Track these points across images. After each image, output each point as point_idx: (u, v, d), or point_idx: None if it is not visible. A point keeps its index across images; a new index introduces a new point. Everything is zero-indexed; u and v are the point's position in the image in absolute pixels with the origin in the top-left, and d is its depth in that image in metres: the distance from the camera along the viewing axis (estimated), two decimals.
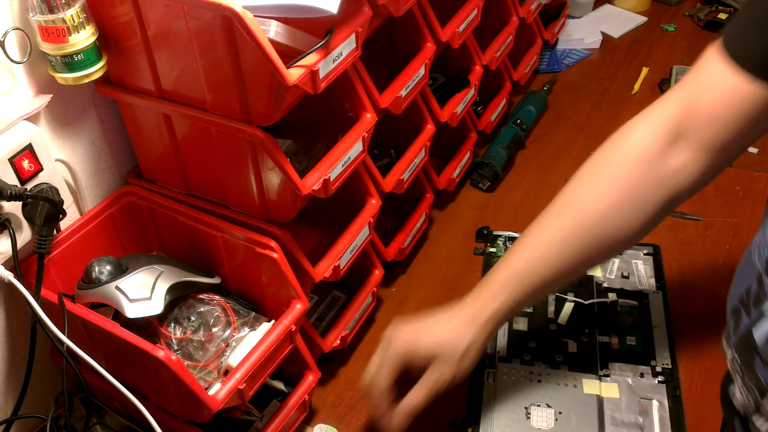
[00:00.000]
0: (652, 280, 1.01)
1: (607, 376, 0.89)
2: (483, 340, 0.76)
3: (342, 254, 0.84)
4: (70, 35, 0.67)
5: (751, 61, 0.63)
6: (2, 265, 0.69)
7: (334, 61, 0.70)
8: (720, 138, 0.68)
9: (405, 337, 0.77)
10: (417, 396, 0.76)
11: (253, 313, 0.81)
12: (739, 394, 0.64)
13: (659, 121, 0.71)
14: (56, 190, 0.73)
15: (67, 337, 0.68)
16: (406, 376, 0.77)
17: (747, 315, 0.61)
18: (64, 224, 0.79)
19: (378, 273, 0.97)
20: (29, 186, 0.71)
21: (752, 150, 1.21)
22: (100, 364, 0.67)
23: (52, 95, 0.73)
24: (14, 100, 0.71)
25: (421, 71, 0.93)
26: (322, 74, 0.68)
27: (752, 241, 0.63)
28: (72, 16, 0.66)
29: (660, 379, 0.88)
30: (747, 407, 0.63)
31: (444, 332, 0.76)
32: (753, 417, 0.62)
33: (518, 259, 0.76)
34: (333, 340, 0.89)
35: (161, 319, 0.76)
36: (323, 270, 0.82)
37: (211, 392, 0.70)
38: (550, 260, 0.75)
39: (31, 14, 0.66)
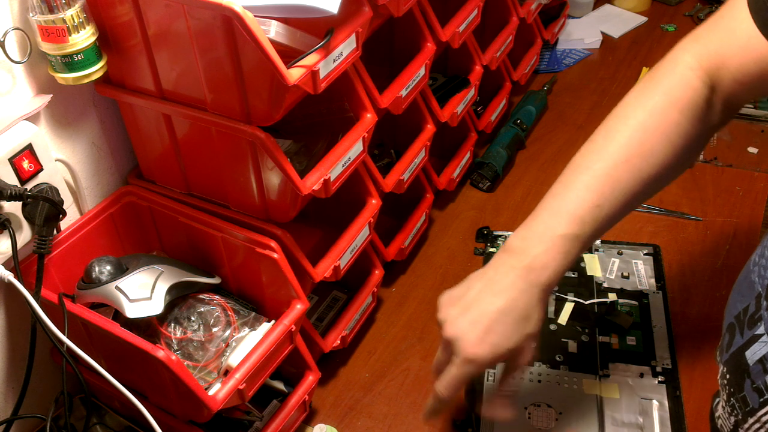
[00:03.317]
0: (652, 280, 1.01)
1: (607, 376, 0.89)
2: (546, 303, 0.70)
3: (342, 254, 0.84)
4: (70, 35, 0.67)
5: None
6: (2, 265, 0.69)
7: (334, 61, 0.70)
8: (742, 99, 0.69)
9: (483, 350, 0.67)
10: (512, 383, 0.72)
11: (253, 313, 0.81)
12: (721, 410, 0.64)
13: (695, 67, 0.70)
14: (56, 190, 0.73)
15: (67, 337, 0.68)
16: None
17: (741, 334, 0.60)
18: (64, 224, 0.79)
19: (378, 273, 0.97)
20: (29, 186, 0.71)
21: (752, 150, 1.21)
22: (100, 364, 0.67)
23: (52, 95, 0.73)
24: (14, 100, 0.71)
25: (421, 71, 0.93)
26: (322, 74, 0.68)
27: (751, 259, 0.62)
28: (72, 16, 0.66)
29: (660, 379, 0.88)
30: (724, 426, 0.63)
31: (518, 318, 0.67)
32: None
33: (585, 207, 0.68)
34: (333, 340, 0.89)
35: (161, 319, 0.76)
36: (323, 270, 0.82)
37: (211, 392, 0.70)
38: (620, 201, 0.69)
39: (31, 14, 0.66)
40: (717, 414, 0.65)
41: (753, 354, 0.58)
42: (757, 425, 0.58)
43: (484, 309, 0.67)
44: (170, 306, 0.76)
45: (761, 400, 0.57)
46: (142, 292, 0.72)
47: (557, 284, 0.69)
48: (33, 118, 0.72)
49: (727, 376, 0.62)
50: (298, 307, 0.78)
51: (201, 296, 0.80)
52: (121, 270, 0.74)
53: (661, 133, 0.68)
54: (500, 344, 0.67)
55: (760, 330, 0.57)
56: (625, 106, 0.71)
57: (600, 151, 0.70)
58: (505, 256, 0.69)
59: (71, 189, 0.81)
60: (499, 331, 0.67)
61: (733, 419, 0.61)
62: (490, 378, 0.90)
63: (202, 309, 0.78)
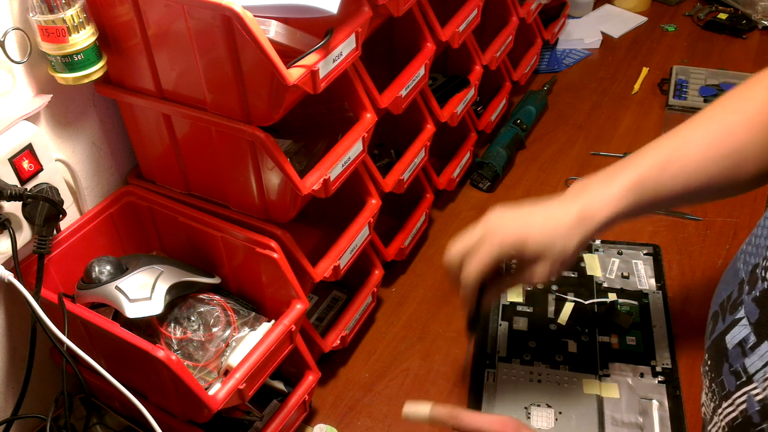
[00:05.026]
0: (652, 280, 1.01)
1: (607, 376, 0.89)
2: (585, 242, 0.73)
3: (342, 254, 0.84)
4: (70, 35, 0.67)
5: None
6: (2, 265, 0.69)
7: (334, 61, 0.70)
8: None
9: (514, 232, 0.72)
10: (511, 285, 0.77)
11: (253, 313, 0.81)
12: (704, 397, 0.64)
13: None
14: (56, 190, 0.73)
15: (67, 337, 0.68)
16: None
17: (722, 320, 0.61)
18: (64, 224, 0.79)
19: (378, 273, 0.97)
20: (29, 186, 0.71)
21: None
22: (100, 364, 0.67)
23: (52, 95, 0.73)
24: (14, 100, 0.71)
25: (421, 71, 0.93)
26: (322, 74, 0.68)
27: (740, 248, 0.63)
28: (72, 16, 0.66)
29: (660, 379, 0.88)
30: (706, 413, 0.64)
31: (555, 230, 0.72)
32: (708, 426, 0.62)
33: (651, 166, 0.72)
34: (333, 340, 0.89)
35: (161, 319, 0.76)
36: (323, 270, 0.82)
37: (211, 392, 0.70)
38: (683, 177, 0.72)
39: (31, 14, 0.66)
40: (701, 401, 0.65)
41: (732, 338, 0.58)
42: (731, 408, 0.58)
43: (529, 213, 0.73)
44: (170, 306, 0.76)
45: (738, 383, 0.57)
46: (142, 292, 0.72)
47: (602, 232, 0.73)
48: (33, 118, 0.72)
49: (709, 362, 0.63)
50: (298, 307, 0.78)
51: (201, 296, 0.80)
52: (121, 270, 0.74)
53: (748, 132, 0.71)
54: (529, 235, 0.71)
55: (741, 314, 0.58)
56: (712, 107, 0.75)
57: (678, 133, 0.74)
58: (561, 197, 0.74)
59: (71, 189, 0.81)
60: (536, 230, 0.71)
61: (712, 405, 0.62)
62: (489, 378, 0.90)
63: (202, 309, 0.78)
